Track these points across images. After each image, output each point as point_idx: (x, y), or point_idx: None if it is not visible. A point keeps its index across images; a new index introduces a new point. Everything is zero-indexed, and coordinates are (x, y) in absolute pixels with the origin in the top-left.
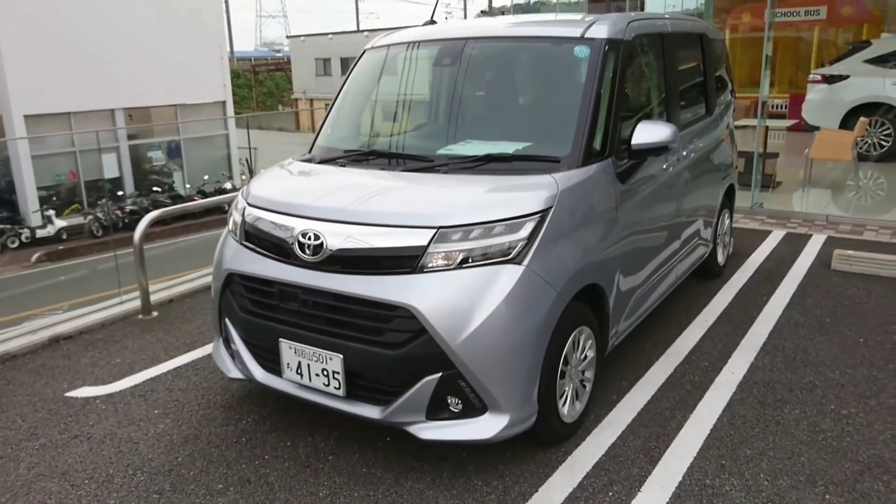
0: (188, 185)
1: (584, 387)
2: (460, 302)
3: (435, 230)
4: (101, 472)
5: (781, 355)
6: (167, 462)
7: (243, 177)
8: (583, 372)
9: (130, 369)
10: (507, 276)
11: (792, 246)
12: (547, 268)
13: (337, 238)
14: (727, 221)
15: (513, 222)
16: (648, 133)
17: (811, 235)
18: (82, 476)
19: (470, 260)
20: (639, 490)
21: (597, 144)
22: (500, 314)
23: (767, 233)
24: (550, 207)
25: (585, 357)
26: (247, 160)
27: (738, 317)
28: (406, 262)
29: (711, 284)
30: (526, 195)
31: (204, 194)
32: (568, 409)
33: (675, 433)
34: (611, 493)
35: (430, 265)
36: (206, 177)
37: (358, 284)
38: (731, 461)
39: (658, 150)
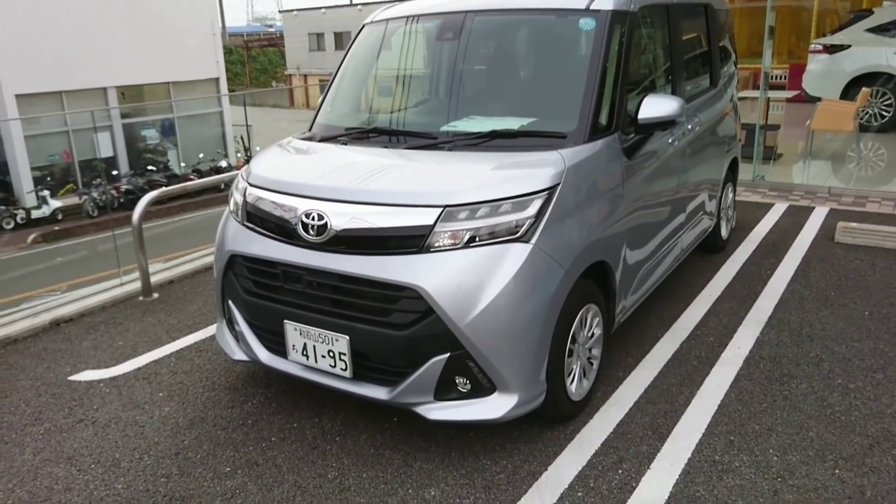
0: (183, 164)
1: (592, 364)
2: (468, 281)
3: (441, 209)
4: (108, 456)
5: (787, 329)
6: (174, 445)
7: (238, 154)
8: (590, 349)
9: (133, 352)
10: (515, 255)
11: (794, 219)
12: (555, 246)
13: (341, 218)
14: (730, 195)
15: (520, 200)
16: (655, 107)
17: (814, 208)
18: (88, 461)
19: (477, 239)
20: (648, 467)
21: (603, 119)
22: (509, 293)
23: (770, 206)
24: (558, 184)
25: (593, 335)
26: (242, 137)
27: (743, 291)
28: (412, 241)
29: (715, 259)
30: (533, 172)
31: (199, 173)
32: (576, 387)
33: (683, 409)
34: (620, 471)
35: (436, 244)
36: (201, 155)
37: (363, 265)
38: (740, 437)
39: (665, 124)
